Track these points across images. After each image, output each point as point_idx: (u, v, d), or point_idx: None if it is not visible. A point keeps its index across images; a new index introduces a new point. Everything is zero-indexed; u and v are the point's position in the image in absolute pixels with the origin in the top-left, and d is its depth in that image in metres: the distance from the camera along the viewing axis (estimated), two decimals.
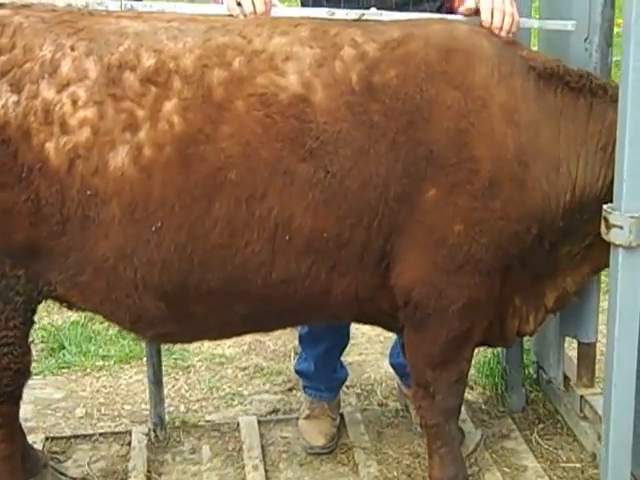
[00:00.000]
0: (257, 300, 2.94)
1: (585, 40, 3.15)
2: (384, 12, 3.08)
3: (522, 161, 2.87)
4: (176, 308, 2.93)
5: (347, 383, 4.25)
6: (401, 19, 3.05)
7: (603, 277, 3.72)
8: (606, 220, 2.77)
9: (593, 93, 2.97)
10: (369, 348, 4.73)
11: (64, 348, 4.70)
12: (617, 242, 2.76)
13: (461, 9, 3.01)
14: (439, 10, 3.39)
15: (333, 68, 2.81)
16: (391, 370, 4.19)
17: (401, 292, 2.99)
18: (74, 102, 2.74)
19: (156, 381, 3.88)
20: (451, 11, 3.36)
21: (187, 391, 4.41)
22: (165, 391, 4.31)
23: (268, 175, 2.76)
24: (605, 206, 2.79)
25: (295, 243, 2.82)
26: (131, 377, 4.50)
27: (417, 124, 2.81)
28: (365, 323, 3.61)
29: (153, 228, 2.77)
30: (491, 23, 2.96)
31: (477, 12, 3.06)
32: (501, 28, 2.97)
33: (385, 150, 2.80)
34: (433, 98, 2.82)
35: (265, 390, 4.40)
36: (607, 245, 2.76)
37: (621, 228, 2.74)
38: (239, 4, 2.99)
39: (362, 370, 4.54)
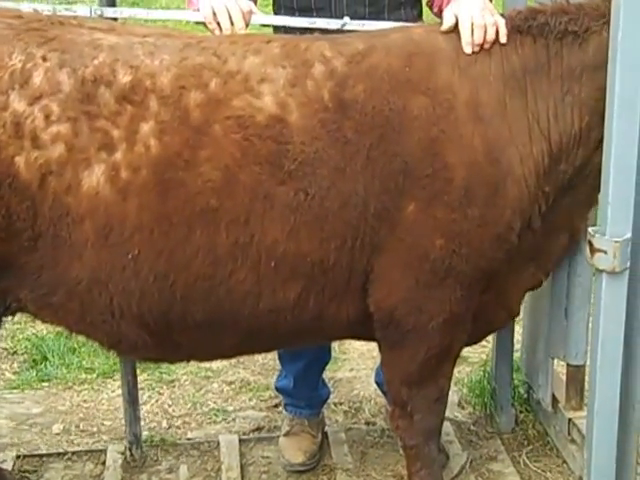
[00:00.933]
0: (246, 331, 2.90)
1: None
2: (365, 22, 3.07)
3: (493, 159, 2.81)
4: (159, 337, 2.88)
5: (335, 400, 4.23)
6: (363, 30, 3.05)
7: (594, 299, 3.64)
8: (590, 244, 2.74)
9: (542, 32, 2.88)
10: (360, 364, 4.69)
11: (47, 360, 4.65)
12: (601, 267, 2.73)
13: (442, 29, 2.94)
14: (417, 18, 3.36)
15: (306, 87, 2.78)
16: None
17: (384, 314, 2.95)
18: (47, 116, 2.67)
19: (131, 400, 3.83)
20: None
21: (170, 406, 4.37)
22: (148, 406, 4.31)
23: (248, 200, 2.71)
24: (590, 229, 2.74)
25: (280, 270, 2.78)
26: (114, 391, 4.45)
27: (389, 137, 2.77)
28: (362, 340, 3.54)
29: (129, 255, 2.71)
30: (471, 43, 2.88)
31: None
32: (484, 43, 2.88)
33: (360, 167, 2.76)
34: (401, 109, 2.78)
35: (250, 406, 4.35)
36: None
37: (605, 253, 2.70)
38: (215, 15, 2.95)
39: (351, 387, 4.50)
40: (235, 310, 2.81)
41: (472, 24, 2.88)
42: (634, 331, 2.82)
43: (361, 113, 2.76)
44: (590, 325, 3.53)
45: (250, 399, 4.40)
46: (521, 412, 4.07)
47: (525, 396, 4.11)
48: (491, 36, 2.87)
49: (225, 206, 2.70)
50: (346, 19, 3.01)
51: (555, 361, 3.81)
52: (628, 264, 2.72)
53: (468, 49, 2.87)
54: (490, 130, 2.82)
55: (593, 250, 2.70)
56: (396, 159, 2.76)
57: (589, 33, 2.86)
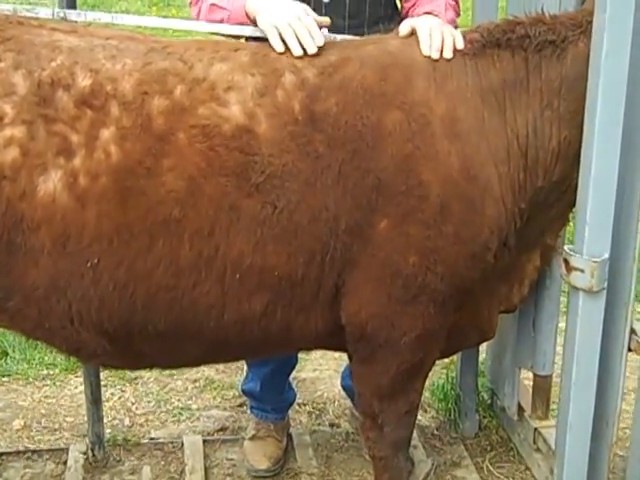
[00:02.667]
0: (211, 341, 2.79)
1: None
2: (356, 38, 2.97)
3: (469, 176, 2.71)
4: (120, 346, 2.76)
5: (299, 401, 4.13)
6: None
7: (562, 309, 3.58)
8: (566, 262, 2.66)
9: (521, 45, 2.78)
10: (323, 364, 4.59)
11: (7, 355, 4.50)
12: (578, 285, 2.66)
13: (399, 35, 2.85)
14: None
15: (275, 97, 2.66)
16: None
17: (356, 329, 2.85)
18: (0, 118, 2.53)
19: (94, 399, 3.71)
20: None
21: (133, 404, 4.25)
22: (110, 403, 4.20)
23: (213, 212, 2.59)
24: (566, 247, 2.66)
25: (246, 283, 2.67)
26: (76, 387, 4.32)
27: (362, 153, 2.66)
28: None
29: (88, 263, 2.58)
30: (429, 46, 2.78)
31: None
32: (442, 49, 2.77)
33: (332, 182, 2.65)
34: (375, 124, 2.67)
35: (215, 405, 4.25)
36: None
37: (582, 272, 2.63)
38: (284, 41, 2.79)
39: (315, 387, 4.41)
40: (199, 321, 2.71)
41: (430, 30, 2.79)
42: (609, 348, 2.76)
43: (333, 127, 2.65)
44: (558, 337, 3.51)
45: (214, 398, 4.30)
46: (484, 417, 4.01)
47: (489, 402, 4.04)
48: (450, 42, 2.77)
49: (189, 217, 2.58)
50: (324, 31, 2.88)
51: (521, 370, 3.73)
52: (605, 284, 2.64)
53: (426, 50, 2.77)
54: (467, 147, 2.71)
55: (569, 268, 2.62)
56: (369, 175, 2.66)
57: (566, 43, 2.76)
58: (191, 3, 3.11)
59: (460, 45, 2.79)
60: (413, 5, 3.20)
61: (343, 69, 2.72)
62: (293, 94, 2.66)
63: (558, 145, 2.78)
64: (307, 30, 2.76)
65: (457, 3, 3.19)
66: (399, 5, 3.31)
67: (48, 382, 4.36)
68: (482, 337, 3.21)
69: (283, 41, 2.76)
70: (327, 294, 2.76)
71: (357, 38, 2.96)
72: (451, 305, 2.84)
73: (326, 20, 2.87)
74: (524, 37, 2.77)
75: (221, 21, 2.99)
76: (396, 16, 3.28)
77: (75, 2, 3.26)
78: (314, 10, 2.96)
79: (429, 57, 2.77)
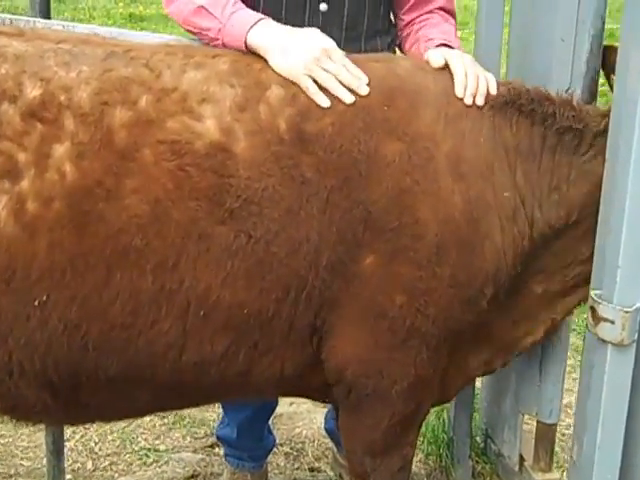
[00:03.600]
0: (163, 386, 2.47)
1: (567, 91, 2.69)
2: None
3: (472, 219, 2.46)
4: (63, 399, 2.44)
5: (276, 440, 3.75)
6: None
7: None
8: (594, 311, 2.36)
9: (544, 120, 2.55)
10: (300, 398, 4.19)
11: None
12: (606, 338, 2.36)
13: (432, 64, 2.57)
14: (390, 46, 2.97)
15: (257, 112, 2.36)
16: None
17: (333, 371, 2.56)
18: None
19: (55, 449, 3.35)
20: (402, 51, 2.97)
21: (97, 444, 3.89)
22: (72, 443, 3.84)
23: (180, 240, 2.29)
24: (593, 294, 2.37)
25: (211, 321, 2.37)
26: (35, 425, 3.89)
27: (354, 182, 2.38)
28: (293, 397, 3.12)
29: (36, 302, 2.27)
30: (464, 87, 2.50)
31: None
32: (476, 93, 2.51)
33: (317, 211, 2.37)
34: (372, 152, 2.39)
35: (185, 445, 3.90)
36: None
37: (612, 323, 2.34)
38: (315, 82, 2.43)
39: (293, 424, 4.05)
40: (154, 363, 2.41)
41: (465, 69, 2.52)
42: (636, 406, 2.44)
43: (325, 150, 2.36)
44: (565, 383, 3.21)
45: (184, 437, 3.95)
46: (478, 463, 3.67)
47: (482, 446, 3.69)
48: (484, 88, 2.51)
49: (152, 246, 2.28)
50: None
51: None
52: (636, 336, 2.35)
53: (460, 92, 2.51)
54: (472, 190, 2.45)
55: (597, 318, 2.32)
56: (359, 206, 2.38)
57: (587, 130, 2.56)
58: None
59: (493, 91, 2.56)
60: (411, 23, 2.94)
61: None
62: (279, 110, 2.38)
63: (565, 225, 2.59)
64: (346, 69, 2.43)
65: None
66: (393, 19, 3.03)
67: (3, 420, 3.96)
68: (442, 397, 2.88)
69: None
70: (299, 335, 2.48)
71: (361, 55, 2.66)
72: (445, 349, 2.58)
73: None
74: (549, 115, 2.55)
75: (202, 35, 2.61)
76: (393, 30, 3.00)
77: (49, 7, 2.92)
78: (308, 21, 2.70)
79: (442, 86, 2.51)
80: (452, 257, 2.43)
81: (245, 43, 2.49)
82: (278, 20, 2.60)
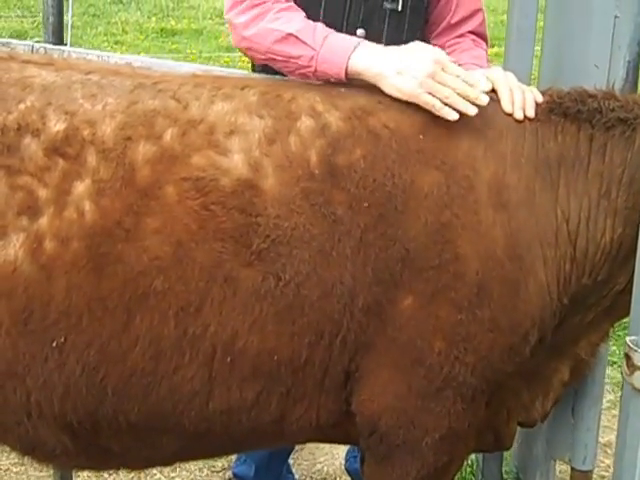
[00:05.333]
0: (191, 434, 2.34)
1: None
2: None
3: (514, 255, 2.30)
4: (84, 442, 2.32)
5: (296, 476, 3.60)
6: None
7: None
8: (629, 359, 2.14)
9: (590, 119, 2.38)
10: None
11: None
12: None
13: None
14: None
15: (288, 145, 2.22)
16: None
17: (366, 421, 2.39)
18: None
19: None
20: None
21: (110, 474, 3.70)
22: (85, 473, 3.65)
23: (204, 284, 2.16)
24: (628, 340, 2.17)
25: (238, 368, 2.24)
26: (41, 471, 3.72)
27: (390, 218, 2.23)
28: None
29: (54, 343, 2.17)
30: (512, 102, 2.35)
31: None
32: (525, 107, 2.36)
33: (351, 251, 2.22)
34: (408, 184, 2.24)
35: (201, 478, 3.72)
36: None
37: None
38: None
39: (314, 460, 3.87)
40: (179, 411, 2.28)
41: (509, 85, 2.37)
42: None
43: (358, 185, 2.21)
44: (603, 419, 3.02)
45: (201, 469, 3.77)
46: None
47: None
48: (531, 101, 2.36)
49: (174, 290, 2.16)
50: None
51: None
52: None
53: (509, 107, 2.36)
54: (514, 220, 2.28)
55: (632, 366, 2.12)
56: (395, 244, 2.22)
57: (638, 124, 2.37)
58: (240, 7, 2.51)
59: (540, 101, 2.41)
60: (440, 48, 2.74)
61: (374, 115, 2.29)
62: (310, 142, 2.23)
63: (610, 242, 2.38)
64: (461, 80, 2.29)
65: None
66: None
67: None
68: (497, 444, 2.72)
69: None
70: (334, 381, 2.33)
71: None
72: (482, 400, 2.40)
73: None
74: (595, 111, 2.37)
75: (289, 63, 2.45)
76: None
77: (62, 32, 2.79)
78: None
79: (479, 109, 2.33)
80: (494, 299, 2.27)
81: (346, 69, 2.34)
82: None
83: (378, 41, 2.64)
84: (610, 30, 2.59)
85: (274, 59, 2.47)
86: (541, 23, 2.83)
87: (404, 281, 2.24)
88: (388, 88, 2.29)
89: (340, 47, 2.36)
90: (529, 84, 2.87)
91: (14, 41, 2.41)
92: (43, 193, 2.14)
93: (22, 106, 2.19)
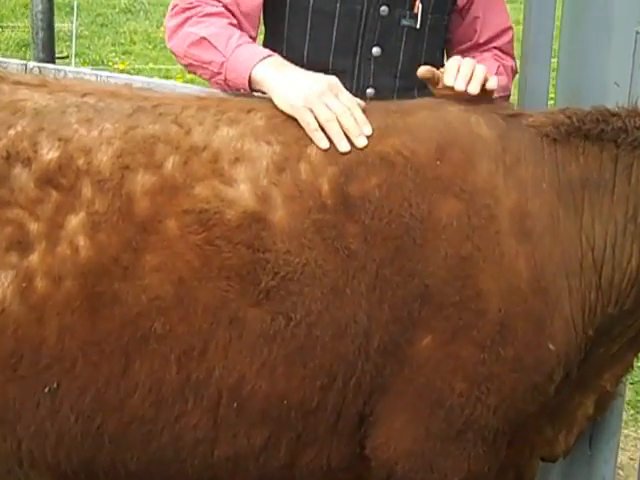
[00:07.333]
0: None
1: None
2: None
3: (539, 288, 2.12)
4: None
5: None
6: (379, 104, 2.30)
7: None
8: None
9: (614, 139, 2.22)
10: None
11: None
12: None
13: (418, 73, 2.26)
14: None
15: (298, 173, 2.05)
16: None
17: (382, 465, 2.22)
18: None
19: None
20: None
21: None
22: None
23: (208, 325, 2.01)
24: None
25: (245, 413, 2.08)
26: None
27: (407, 251, 2.06)
28: None
29: (46, 389, 2.02)
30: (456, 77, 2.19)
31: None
32: (470, 80, 2.20)
33: (366, 288, 2.05)
34: (425, 215, 2.07)
35: None
36: None
37: None
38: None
39: None
40: (181, 459, 2.12)
41: (459, 62, 2.21)
42: None
43: (373, 216, 2.04)
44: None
45: None
46: None
47: None
48: (480, 75, 2.19)
49: (176, 332, 2.01)
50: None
51: None
52: None
53: (450, 80, 2.21)
54: (538, 251, 2.11)
55: None
56: (414, 279, 2.06)
57: None
58: (174, 10, 2.42)
59: (492, 86, 2.26)
60: None
61: (388, 140, 2.12)
62: (322, 170, 2.06)
63: (637, 269, 2.21)
64: (350, 112, 2.11)
65: (513, 71, 2.63)
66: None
67: None
68: None
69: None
70: (347, 425, 2.17)
71: (406, 102, 2.33)
72: (503, 443, 2.24)
73: (362, 104, 2.21)
74: (620, 130, 2.19)
75: (203, 69, 2.37)
76: None
77: (53, 47, 2.60)
78: (359, 66, 2.38)
79: (497, 131, 2.16)
80: (518, 336, 2.12)
81: (249, 78, 2.23)
82: (324, 65, 2.34)
83: (395, 60, 2.50)
84: (632, 46, 2.42)
85: (192, 64, 2.39)
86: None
87: (423, 319, 2.08)
88: (277, 100, 2.16)
89: (247, 57, 2.27)
90: (547, 101, 2.69)
91: (9, 60, 2.21)
92: (34, 227, 1.98)
93: (12, 132, 2.04)
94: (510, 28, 2.64)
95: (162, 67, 9.60)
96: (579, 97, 2.51)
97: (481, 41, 2.59)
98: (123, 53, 10.22)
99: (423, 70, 2.24)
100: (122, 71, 8.64)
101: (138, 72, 9.07)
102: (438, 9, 2.50)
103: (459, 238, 2.06)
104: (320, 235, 2.02)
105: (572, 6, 2.57)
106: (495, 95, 2.40)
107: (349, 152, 2.09)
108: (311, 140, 2.09)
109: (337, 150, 2.08)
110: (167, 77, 8.93)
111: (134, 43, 11.04)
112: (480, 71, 2.20)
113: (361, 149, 2.09)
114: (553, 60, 2.64)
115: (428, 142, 2.12)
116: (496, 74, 2.47)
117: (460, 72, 2.18)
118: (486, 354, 2.09)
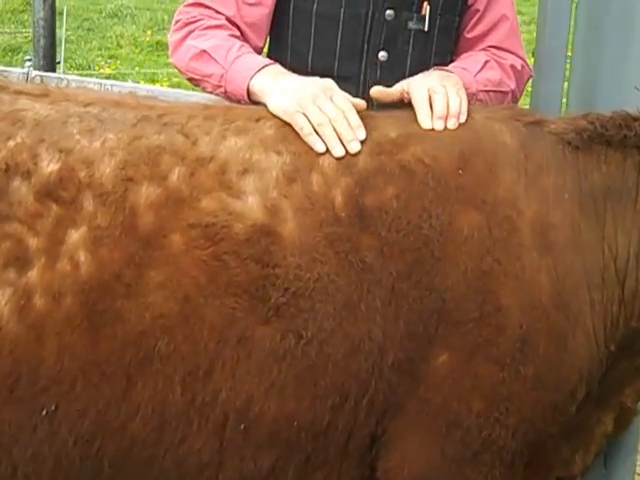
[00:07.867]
0: None
1: None
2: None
3: (561, 303, 2.05)
4: None
5: None
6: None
7: None
8: None
9: (638, 145, 2.16)
10: None
11: None
12: None
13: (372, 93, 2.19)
14: None
15: (310, 184, 1.97)
16: None
17: None
18: None
19: None
20: None
21: None
22: None
23: (215, 344, 1.94)
24: None
25: (253, 435, 2.00)
26: None
27: (425, 265, 1.98)
28: None
29: (44, 412, 1.94)
30: (432, 114, 2.08)
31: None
32: (447, 116, 2.08)
33: (381, 303, 1.97)
34: (445, 227, 1.99)
35: None
36: None
37: None
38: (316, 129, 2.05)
39: None
40: None
41: (430, 91, 2.10)
42: None
43: (389, 228, 1.96)
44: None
45: None
46: None
47: None
48: (456, 107, 2.09)
49: (181, 352, 1.93)
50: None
51: None
52: None
53: (426, 122, 2.09)
54: (561, 264, 2.04)
55: None
56: (431, 294, 1.98)
57: None
58: (176, 25, 2.37)
59: (464, 110, 2.13)
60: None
61: (407, 149, 2.03)
62: (335, 181, 1.98)
63: None
64: (343, 115, 2.03)
65: (514, 69, 2.48)
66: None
67: None
68: None
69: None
70: (358, 446, 2.08)
71: None
72: (520, 464, 2.16)
73: (361, 104, 2.12)
74: None
75: (204, 82, 2.31)
76: None
77: (54, 54, 2.52)
78: (365, 72, 2.28)
79: (519, 139, 2.08)
80: (539, 354, 2.04)
81: (247, 90, 2.16)
82: (329, 71, 2.25)
83: (402, 65, 2.40)
84: None
85: (194, 78, 2.32)
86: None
87: (439, 336, 2.00)
88: (271, 107, 2.10)
89: (246, 68, 2.21)
90: (560, 109, 2.61)
91: (11, 69, 2.12)
92: (33, 242, 1.90)
93: (11, 143, 1.96)
94: (505, 17, 2.49)
95: (148, 71, 9.54)
96: (594, 103, 2.44)
97: (470, 36, 2.47)
98: (110, 57, 10.16)
99: (374, 91, 2.16)
100: (108, 75, 8.58)
101: (124, 76, 9.02)
102: (448, 9, 2.39)
103: (480, 251, 1.98)
104: (333, 249, 1.94)
105: (588, 8, 2.49)
106: (489, 88, 2.33)
107: (365, 162, 1.99)
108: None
109: (352, 159, 1.99)
110: (153, 81, 8.88)
111: (121, 47, 10.98)
112: (455, 103, 2.09)
113: (380, 158, 1.99)
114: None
115: (451, 150, 2.04)
116: (483, 69, 2.38)
117: (434, 109, 2.08)
118: (505, 372, 2.02)
